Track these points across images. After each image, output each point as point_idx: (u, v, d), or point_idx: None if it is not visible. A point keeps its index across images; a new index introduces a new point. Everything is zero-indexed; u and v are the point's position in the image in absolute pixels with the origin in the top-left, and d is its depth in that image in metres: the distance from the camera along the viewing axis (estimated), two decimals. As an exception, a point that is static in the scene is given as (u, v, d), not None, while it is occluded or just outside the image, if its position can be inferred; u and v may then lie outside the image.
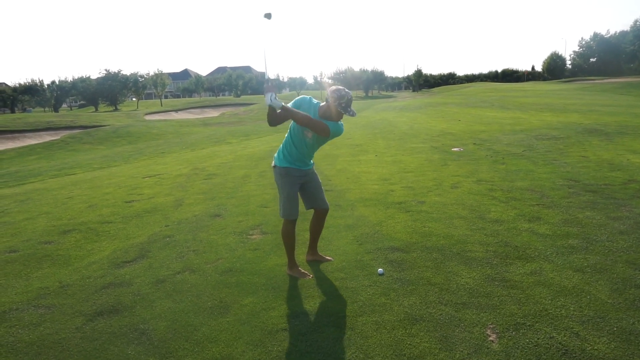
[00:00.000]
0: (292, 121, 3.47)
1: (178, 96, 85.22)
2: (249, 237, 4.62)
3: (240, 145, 13.25)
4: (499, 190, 5.87)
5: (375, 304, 3.08)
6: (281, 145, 3.67)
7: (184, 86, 79.45)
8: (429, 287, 3.27)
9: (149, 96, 77.42)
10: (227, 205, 5.92)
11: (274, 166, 3.65)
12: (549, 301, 2.99)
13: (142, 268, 3.95)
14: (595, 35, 78.85)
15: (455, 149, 9.21)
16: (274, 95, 3.24)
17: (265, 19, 3.60)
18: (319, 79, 63.94)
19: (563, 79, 65.52)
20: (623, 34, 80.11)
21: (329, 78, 63.14)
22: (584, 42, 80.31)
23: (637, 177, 6.20)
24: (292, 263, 3.74)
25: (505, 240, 4.11)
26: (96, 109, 51.01)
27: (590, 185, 5.89)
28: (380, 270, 3.54)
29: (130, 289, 3.53)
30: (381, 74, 64.40)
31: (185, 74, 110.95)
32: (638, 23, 78.10)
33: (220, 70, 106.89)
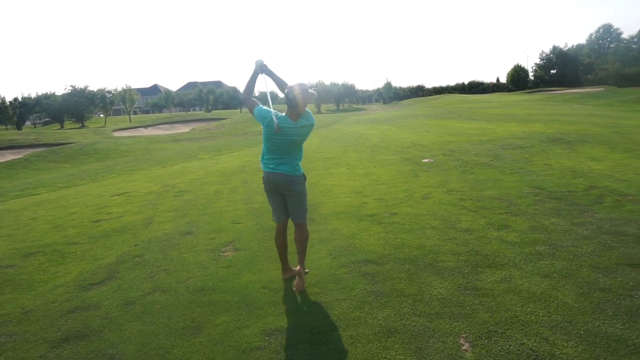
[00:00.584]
0: (267, 121, 3.52)
1: (147, 112, 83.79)
2: (221, 254, 4.56)
3: (211, 161, 13.11)
4: (468, 200, 5.99)
5: (349, 317, 3.07)
6: None
7: (153, 102, 78.22)
8: (403, 298, 3.30)
9: (117, 112, 75.81)
10: (199, 222, 5.83)
11: None
12: (519, 308, 3.06)
13: (110, 290, 3.83)
14: (555, 48, 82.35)
15: (425, 160, 9.37)
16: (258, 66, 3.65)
17: None
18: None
19: (526, 90, 67.89)
20: (580, 47, 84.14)
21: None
22: (544, 55, 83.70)
23: (598, 184, 6.44)
24: (282, 267, 3.88)
25: (475, 249, 4.19)
26: (62, 126, 49.57)
27: (555, 193, 6.08)
28: None
29: (97, 313, 3.41)
30: (352, 87, 65.15)
31: (155, 89, 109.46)
32: (593, 37, 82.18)
33: (190, 85, 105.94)
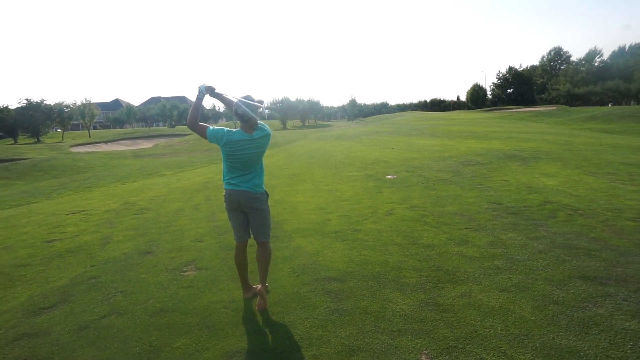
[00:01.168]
0: (224, 141, 3.52)
1: (108, 127, 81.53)
2: (182, 274, 4.44)
3: (174, 178, 12.85)
4: (430, 216, 6.11)
5: (312, 337, 3.04)
6: None
7: (114, 116, 76.15)
8: (366, 316, 3.30)
9: (75, 127, 73.29)
10: (159, 241, 5.67)
11: None
12: (479, 322, 3.12)
13: (62, 314, 3.65)
14: (510, 68, 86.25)
15: (388, 177, 9.52)
16: (203, 90, 3.64)
17: None
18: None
19: (485, 108, 70.53)
20: (533, 67, 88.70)
21: (265, 108, 63.44)
22: (501, 75, 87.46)
23: (551, 199, 6.72)
24: (243, 286, 3.82)
25: (437, 265, 4.26)
26: (15, 141, 47.44)
27: (512, 208, 6.30)
28: None
29: (47, 339, 3.24)
30: (317, 103, 65.77)
31: (116, 103, 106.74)
32: (545, 59, 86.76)
33: (153, 100, 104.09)
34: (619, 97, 55.11)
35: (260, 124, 3.60)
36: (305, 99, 62.97)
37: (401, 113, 69.32)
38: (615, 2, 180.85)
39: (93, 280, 4.39)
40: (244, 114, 3.46)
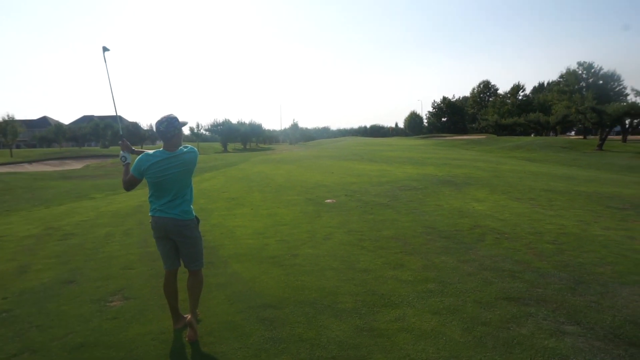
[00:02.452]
0: (148, 164, 3.40)
1: (34, 146, 76.15)
2: (107, 304, 4.16)
3: (105, 201, 12.17)
4: (367, 240, 6.21)
5: (245, 368, 2.94)
6: None
7: (41, 135, 71.36)
8: (301, 343, 3.25)
9: (-5, 145, 67.95)
10: (84, 269, 5.31)
11: None
12: (411, 346, 3.17)
13: (-36, 354, 3.28)
14: (444, 98, 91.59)
15: (328, 201, 9.61)
16: (127, 156, 3.73)
17: (104, 51, 4.16)
18: (195, 130, 62.73)
19: (421, 135, 73.94)
20: (465, 98, 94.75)
21: (205, 130, 62.38)
22: (436, 104, 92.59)
23: (480, 223, 7.07)
24: (173, 317, 3.63)
25: (372, 289, 4.31)
26: None
27: (445, 232, 6.55)
28: None
29: (-56, 383, 2.88)
30: (259, 126, 65.71)
31: (44, 121, 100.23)
32: (475, 91, 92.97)
33: (86, 118, 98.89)
34: (540, 129, 59.87)
35: (186, 145, 3.51)
36: (247, 121, 62.78)
37: (342, 138, 70.86)
38: (538, 40, 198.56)
39: (4, 315, 4.00)
40: (164, 132, 3.38)
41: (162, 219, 3.45)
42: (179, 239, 3.51)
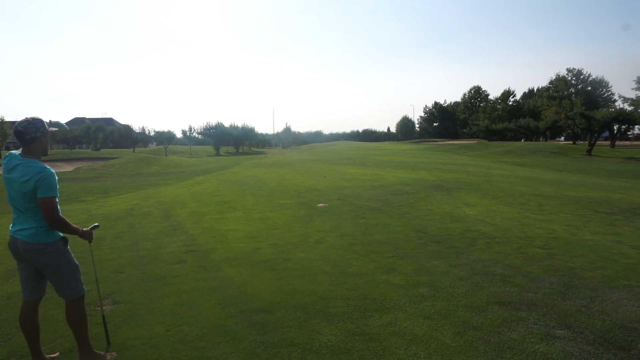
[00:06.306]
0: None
1: (23, 148, 75.27)
2: (96, 308, 4.12)
3: (95, 204, 12.06)
4: (359, 244, 6.21)
5: (236, 373, 2.92)
6: None
7: (31, 137, 70.56)
8: (292, 348, 3.24)
9: (-17, 147, 66.99)
10: (73, 273, 5.24)
11: None
12: (403, 351, 3.17)
13: (-50, 359, 3.22)
14: (436, 104, 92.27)
15: (320, 205, 9.61)
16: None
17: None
18: (188, 133, 62.51)
19: (413, 140, 74.30)
20: (456, 104, 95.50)
21: (198, 133, 62.20)
22: (427, 109, 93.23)
23: (471, 227, 7.11)
24: (32, 355, 3.04)
25: (364, 293, 4.31)
26: None
27: (436, 236, 6.57)
28: None
29: None
30: (252, 130, 65.75)
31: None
32: (466, 96, 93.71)
33: (77, 121, 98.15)
34: (530, 134, 60.45)
35: (46, 167, 2.90)
36: (240, 125, 62.72)
37: (335, 142, 71.00)
38: (528, 46, 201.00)
39: (-9, 319, 3.94)
40: (17, 134, 2.85)
41: (13, 239, 2.95)
42: (36, 265, 2.96)
